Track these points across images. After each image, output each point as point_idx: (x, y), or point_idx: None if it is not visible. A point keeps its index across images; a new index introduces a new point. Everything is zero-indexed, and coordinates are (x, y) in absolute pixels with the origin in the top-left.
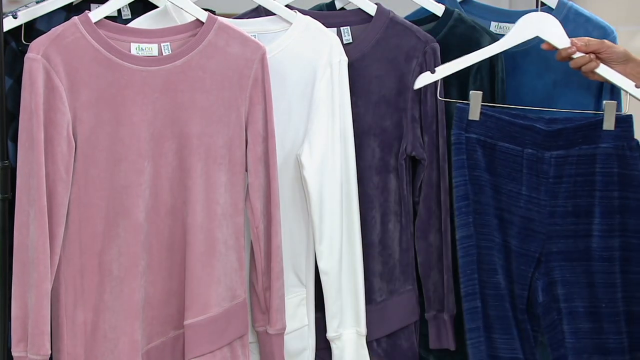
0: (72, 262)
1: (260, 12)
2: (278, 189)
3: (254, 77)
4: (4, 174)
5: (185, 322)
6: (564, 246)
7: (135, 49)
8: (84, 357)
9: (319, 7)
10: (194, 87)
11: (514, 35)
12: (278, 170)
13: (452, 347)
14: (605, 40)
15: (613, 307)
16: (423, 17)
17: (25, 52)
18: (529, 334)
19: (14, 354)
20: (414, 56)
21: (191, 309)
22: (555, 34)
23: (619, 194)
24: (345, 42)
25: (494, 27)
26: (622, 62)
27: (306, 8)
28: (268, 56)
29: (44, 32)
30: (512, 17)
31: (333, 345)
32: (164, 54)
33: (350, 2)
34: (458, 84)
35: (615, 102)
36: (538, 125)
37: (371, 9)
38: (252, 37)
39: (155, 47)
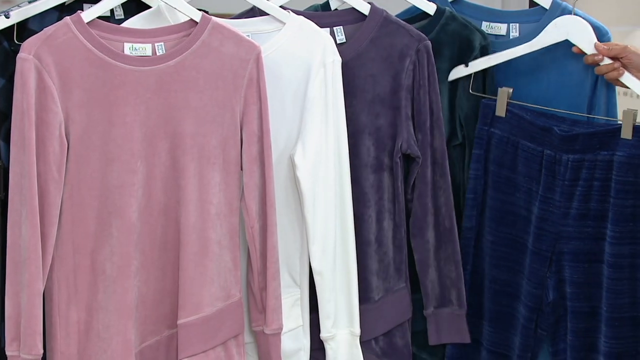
0: (65, 262)
1: (255, 12)
2: (273, 189)
3: (248, 77)
4: None
5: (179, 322)
6: (574, 247)
7: (128, 48)
8: (77, 356)
9: (314, 8)
10: (187, 87)
11: (544, 37)
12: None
13: (468, 340)
14: (628, 46)
15: (617, 312)
16: (415, 15)
17: (18, 52)
18: (529, 332)
19: (7, 353)
20: (408, 54)
21: (184, 309)
22: (584, 39)
23: (632, 202)
24: (338, 41)
25: (485, 26)
26: None
27: (301, 9)
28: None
29: (36, 32)
30: (503, 17)
31: (327, 346)
32: (157, 54)
33: (344, 1)
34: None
35: (635, 110)
36: (556, 129)
37: (365, 9)
38: (247, 37)
39: (149, 47)
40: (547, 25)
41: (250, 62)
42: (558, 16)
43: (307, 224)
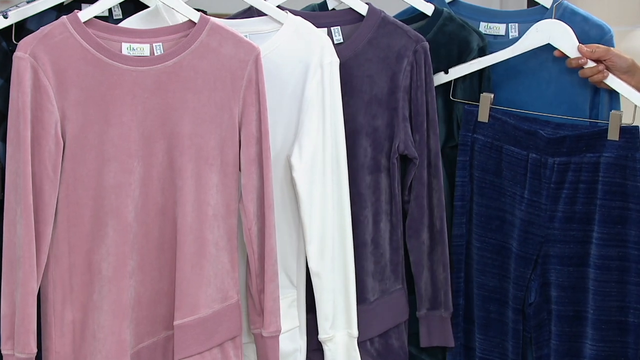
0: (61, 261)
1: (252, 12)
2: (272, 191)
3: (247, 78)
4: None
5: (175, 323)
6: (560, 250)
7: (126, 48)
8: (72, 356)
9: (311, 8)
10: (185, 88)
11: (525, 42)
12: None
13: (452, 344)
14: (612, 49)
15: (604, 315)
16: (412, 15)
17: None
18: (519, 334)
19: (2, 352)
20: (405, 55)
21: (180, 310)
22: (566, 42)
23: (619, 204)
24: (336, 42)
25: (483, 27)
26: (626, 72)
27: (298, 9)
28: None
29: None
30: (500, 17)
31: (325, 347)
32: (155, 54)
33: (341, 2)
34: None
35: (621, 112)
36: (541, 132)
37: (362, 9)
38: (246, 38)
39: (147, 47)
40: None
41: (249, 63)
42: (559, 15)
43: (304, 225)
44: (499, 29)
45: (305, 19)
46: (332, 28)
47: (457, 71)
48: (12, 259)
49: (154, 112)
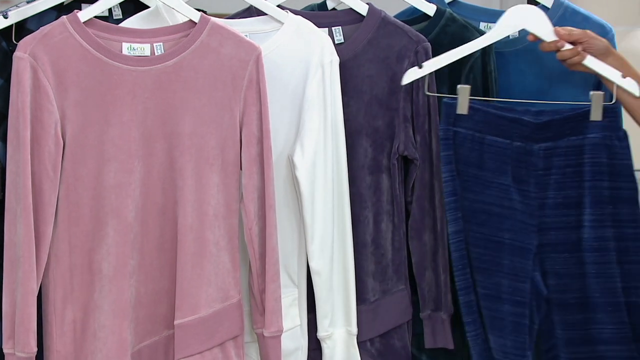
0: (62, 261)
1: (252, 12)
2: (273, 191)
3: (248, 78)
4: None
5: (175, 322)
6: (554, 238)
7: (127, 48)
8: (73, 355)
9: (311, 8)
10: (186, 87)
11: (499, 29)
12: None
13: (451, 346)
14: (588, 31)
15: (610, 297)
16: (414, 16)
17: None
18: (524, 328)
19: (4, 351)
20: (406, 56)
21: (181, 309)
22: (540, 26)
23: (609, 184)
24: (337, 42)
25: (483, 27)
26: (602, 54)
27: (298, 8)
28: None
29: None
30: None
31: (324, 345)
32: (156, 54)
33: (341, 2)
34: (450, 83)
35: (603, 92)
36: (525, 118)
37: (363, 9)
38: (246, 38)
39: (147, 47)
40: None
41: (250, 63)
42: (560, 15)
43: (306, 224)
44: None
45: (307, 18)
46: (333, 28)
47: (432, 65)
48: (13, 258)
49: (155, 112)
